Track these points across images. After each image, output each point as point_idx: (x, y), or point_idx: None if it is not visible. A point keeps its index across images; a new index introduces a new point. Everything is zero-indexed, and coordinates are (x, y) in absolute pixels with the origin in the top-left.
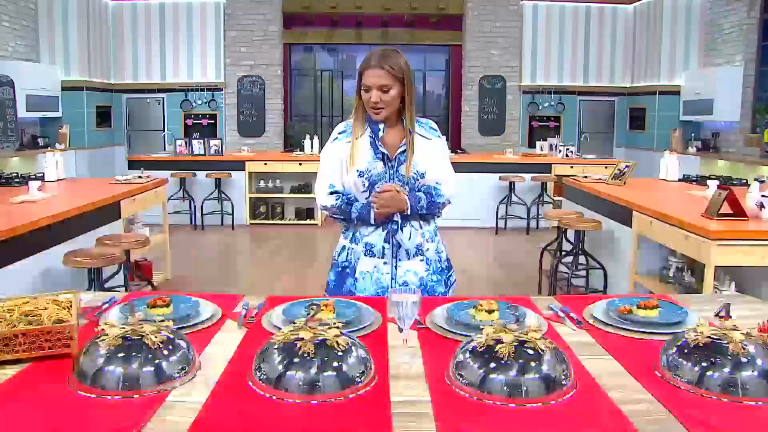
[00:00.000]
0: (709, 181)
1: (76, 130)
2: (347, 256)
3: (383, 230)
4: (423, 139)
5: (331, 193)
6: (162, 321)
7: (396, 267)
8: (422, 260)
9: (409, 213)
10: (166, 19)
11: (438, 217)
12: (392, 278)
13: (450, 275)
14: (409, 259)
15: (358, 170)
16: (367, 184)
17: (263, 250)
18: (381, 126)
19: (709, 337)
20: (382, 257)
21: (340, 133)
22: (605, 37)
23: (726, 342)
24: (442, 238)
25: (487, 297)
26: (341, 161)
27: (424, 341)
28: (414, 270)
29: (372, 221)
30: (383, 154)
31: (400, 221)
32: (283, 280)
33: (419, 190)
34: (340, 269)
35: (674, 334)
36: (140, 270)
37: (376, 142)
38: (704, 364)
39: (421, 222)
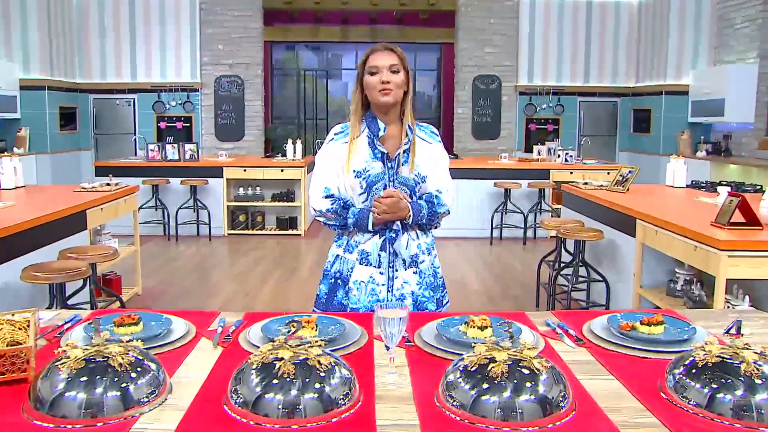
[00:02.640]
0: (719, 188)
1: (37, 133)
2: (340, 265)
3: (380, 238)
4: (424, 143)
5: (327, 197)
6: (130, 341)
7: (393, 278)
8: (415, 272)
9: (410, 222)
10: (137, 13)
11: (436, 227)
12: (388, 290)
13: (443, 295)
14: (405, 269)
15: (354, 170)
16: (364, 185)
17: (242, 263)
18: (381, 125)
19: (718, 356)
20: (378, 266)
21: (336, 134)
22: (608, 34)
23: (738, 362)
24: (439, 254)
25: (479, 312)
26: (338, 163)
27: (413, 360)
28: (408, 281)
29: (370, 227)
30: (382, 153)
31: (399, 230)
32: (263, 295)
33: (420, 198)
34: (332, 280)
35: (681, 352)
36: (108, 285)
37: (375, 141)
38: (714, 386)
39: (419, 232)
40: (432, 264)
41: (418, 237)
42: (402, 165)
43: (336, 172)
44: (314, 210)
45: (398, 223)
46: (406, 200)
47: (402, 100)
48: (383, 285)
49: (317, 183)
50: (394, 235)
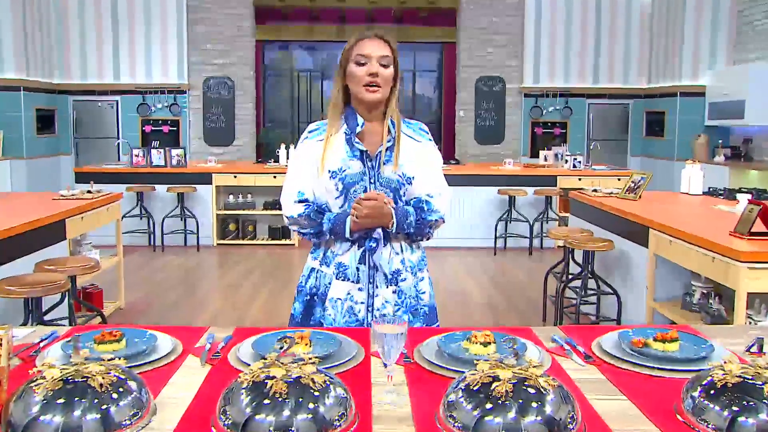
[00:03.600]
0: (738, 195)
1: (12, 137)
2: (316, 280)
3: (359, 248)
4: (412, 141)
5: (299, 201)
6: (112, 359)
7: (373, 295)
8: (395, 291)
9: (393, 229)
10: (120, 9)
11: (428, 239)
12: (368, 309)
13: (430, 323)
14: (387, 286)
15: (329, 170)
16: (341, 186)
17: (232, 275)
18: (360, 120)
19: (739, 376)
20: (357, 281)
21: (311, 132)
22: (618, 32)
23: (761, 382)
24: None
25: (482, 327)
26: (312, 164)
27: (412, 378)
28: (389, 300)
29: (347, 234)
30: (361, 151)
31: (381, 239)
32: (254, 308)
33: (407, 203)
34: (307, 297)
35: (698, 371)
36: (88, 299)
37: (353, 137)
38: (735, 409)
39: (404, 245)
40: (417, 286)
41: (403, 251)
42: (384, 164)
43: (311, 174)
44: (285, 217)
45: (379, 231)
46: (390, 205)
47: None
48: (362, 303)
49: (289, 186)
50: (374, 245)
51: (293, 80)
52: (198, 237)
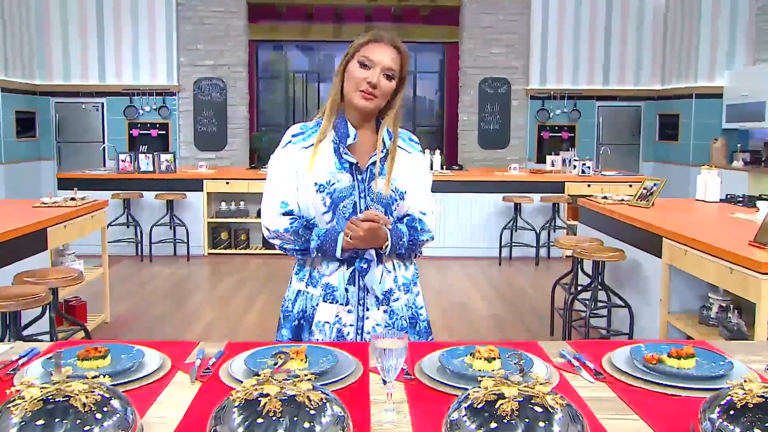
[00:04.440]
0: (759, 202)
1: None
2: (304, 303)
3: (348, 268)
4: (404, 152)
5: (285, 214)
6: (96, 377)
7: (363, 318)
8: (386, 311)
9: (387, 252)
10: (105, 6)
11: (416, 256)
12: (357, 332)
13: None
14: (378, 308)
15: (316, 183)
16: (328, 201)
17: (224, 286)
18: (351, 130)
19: (761, 396)
20: (345, 304)
21: (294, 136)
22: (630, 30)
23: None
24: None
25: (486, 342)
26: (296, 172)
27: (412, 395)
28: (380, 322)
29: (338, 253)
30: (351, 163)
31: (372, 259)
32: (247, 322)
33: (401, 221)
34: (295, 322)
35: (715, 390)
36: (71, 312)
37: (341, 148)
38: (757, 431)
39: (396, 263)
40: (412, 304)
41: (395, 269)
42: (376, 178)
43: (294, 184)
44: (267, 230)
45: (372, 251)
46: (386, 225)
47: (384, 107)
48: (351, 326)
49: (271, 197)
50: (365, 266)
51: (288, 82)
52: (188, 246)
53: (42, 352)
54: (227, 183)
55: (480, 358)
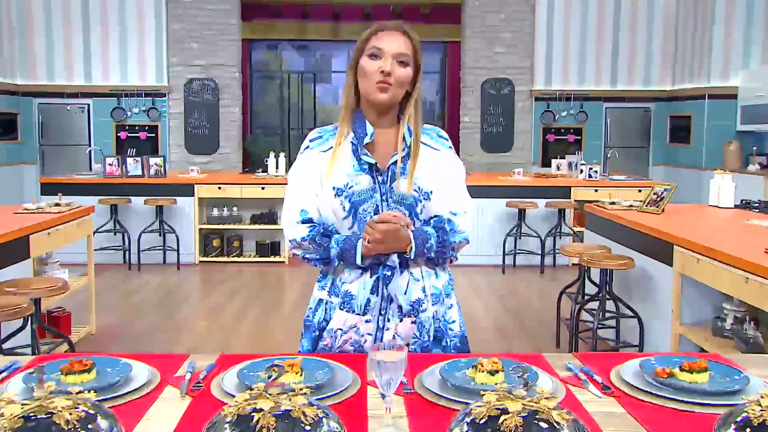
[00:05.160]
0: None
1: None
2: (325, 313)
3: (371, 276)
4: (429, 150)
5: (303, 222)
6: (80, 392)
7: (383, 329)
8: (413, 322)
9: (411, 255)
10: (92, 4)
11: (451, 262)
12: (375, 342)
13: None
14: (401, 319)
15: (334, 187)
16: (348, 205)
17: (216, 296)
18: (369, 128)
19: None
20: (363, 314)
21: (312, 141)
22: (639, 29)
23: None
24: (462, 306)
25: (489, 354)
26: (315, 178)
27: (412, 410)
28: (401, 334)
29: (358, 260)
30: (370, 164)
31: (396, 266)
32: (239, 333)
33: (427, 223)
34: (315, 333)
35: (730, 406)
36: (54, 324)
37: (360, 148)
38: None
39: (426, 270)
40: (437, 317)
41: (423, 277)
42: (398, 178)
43: (314, 190)
44: (288, 241)
45: (395, 257)
46: (408, 227)
47: (402, 101)
48: (370, 335)
49: (290, 206)
50: (389, 273)
51: (283, 83)
52: (178, 254)
53: (23, 366)
54: (219, 188)
55: (482, 371)
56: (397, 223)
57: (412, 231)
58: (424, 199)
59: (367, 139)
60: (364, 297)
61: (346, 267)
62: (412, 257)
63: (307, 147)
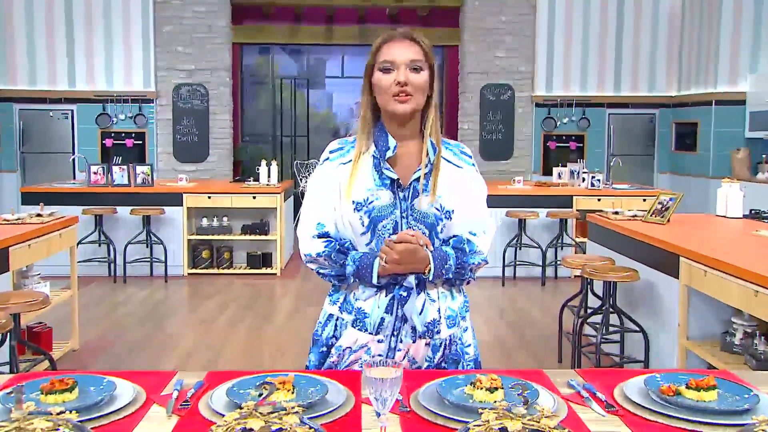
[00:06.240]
0: None
1: None
2: (335, 329)
3: (386, 295)
4: (451, 167)
5: (320, 236)
6: (62, 412)
7: (395, 349)
8: (428, 344)
9: (430, 277)
10: (75, 5)
11: (468, 283)
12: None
13: None
14: (414, 341)
15: (354, 201)
16: (367, 221)
17: (205, 309)
18: (391, 142)
19: None
20: (375, 333)
21: (332, 152)
22: (643, 33)
23: None
24: (476, 329)
25: (488, 370)
26: (333, 191)
27: (408, 429)
28: (415, 357)
29: (374, 279)
30: (392, 179)
31: (412, 287)
32: (229, 348)
33: (446, 243)
34: (323, 348)
35: (740, 426)
36: (35, 340)
37: (382, 162)
38: None
39: (442, 291)
40: (460, 338)
41: (439, 298)
42: (420, 195)
43: (332, 203)
44: (303, 255)
45: (412, 278)
46: (426, 246)
47: (424, 108)
48: (380, 356)
49: (307, 219)
50: (405, 294)
51: (275, 88)
52: (166, 266)
53: (1, 386)
54: (209, 197)
55: (481, 388)
56: (416, 243)
57: (431, 251)
58: (446, 218)
59: (389, 153)
60: (378, 316)
61: (362, 284)
62: (430, 278)
63: (327, 158)
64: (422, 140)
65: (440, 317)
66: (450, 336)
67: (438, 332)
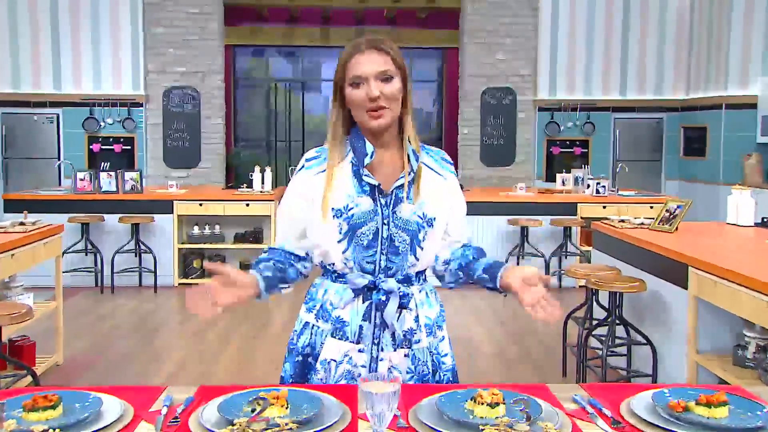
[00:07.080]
0: None
1: None
2: (311, 337)
3: (364, 302)
4: (433, 174)
5: (271, 250)
6: (45, 431)
7: (377, 359)
8: (406, 355)
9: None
10: (61, 5)
11: (451, 288)
12: (370, 373)
13: None
14: (395, 349)
15: (333, 208)
16: (345, 227)
17: (195, 321)
18: (369, 148)
19: None
20: (357, 342)
21: (309, 160)
22: (650, 34)
23: None
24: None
25: (489, 384)
26: (309, 203)
27: None
28: (398, 365)
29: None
30: (372, 186)
31: (393, 290)
32: (221, 361)
33: (471, 267)
34: (299, 357)
35: None
36: (16, 354)
37: (361, 169)
38: None
39: (419, 300)
40: (436, 347)
41: (417, 306)
42: (404, 202)
43: (303, 224)
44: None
45: (393, 281)
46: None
47: (401, 114)
48: (364, 367)
49: (277, 237)
50: (384, 298)
51: (269, 91)
52: (155, 276)
53: None
54: (201, 204)
55: (482, 404)
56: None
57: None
58: (428, 225)
59: (367, 159)
60: (356, 324)
61: (337, 289)
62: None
63: (303, 167)
64: (401, 145)
65: (418, 326)
66: (428, 344)
67: (418, 341)
